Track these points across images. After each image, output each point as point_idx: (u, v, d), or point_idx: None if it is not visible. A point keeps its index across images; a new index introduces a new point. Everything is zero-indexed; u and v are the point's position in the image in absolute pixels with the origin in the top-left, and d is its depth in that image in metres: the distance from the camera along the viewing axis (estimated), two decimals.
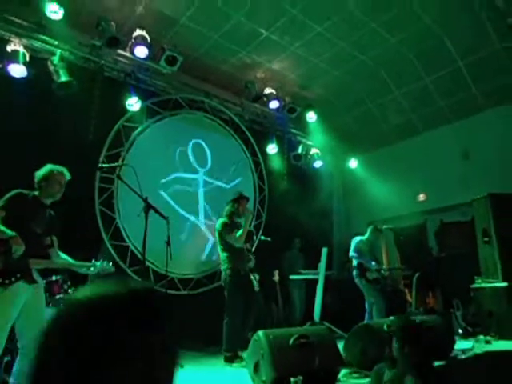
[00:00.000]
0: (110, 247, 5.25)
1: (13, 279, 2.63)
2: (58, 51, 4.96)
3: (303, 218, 7.24)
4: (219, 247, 4.36)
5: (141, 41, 5.25)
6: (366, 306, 5.47)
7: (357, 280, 5.42)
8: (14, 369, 2.77)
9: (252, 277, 4.58)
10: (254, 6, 5.26)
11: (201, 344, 5.22)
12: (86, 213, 5.14)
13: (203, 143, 6.60)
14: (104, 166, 3.48)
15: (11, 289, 2.61)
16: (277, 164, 7.52)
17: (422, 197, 7.55)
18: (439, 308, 6.06)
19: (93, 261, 3.13)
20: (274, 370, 2.63)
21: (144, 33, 5.26)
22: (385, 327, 3.32)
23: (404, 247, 7.20)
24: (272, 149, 7.32)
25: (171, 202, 5.97)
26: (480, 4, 5.29)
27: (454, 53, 6.18)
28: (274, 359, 2.66)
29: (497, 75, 6.30)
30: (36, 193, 2.96)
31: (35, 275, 2.89)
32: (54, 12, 4.61)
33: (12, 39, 4.67)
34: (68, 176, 3.08)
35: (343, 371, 3.11)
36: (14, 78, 4.60)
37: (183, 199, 6.14)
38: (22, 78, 4.64)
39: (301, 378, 2.63)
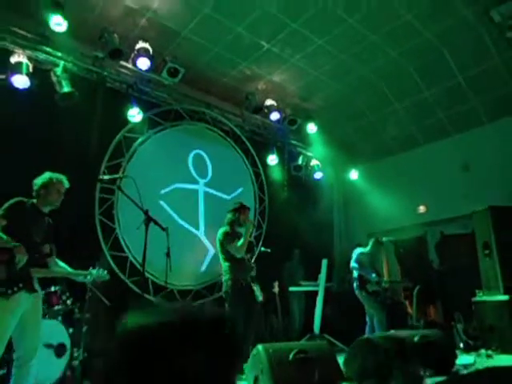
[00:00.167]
0: (109, 258, 5.22)
1: (15, 289, 2.63)
2: (62, 62, 5.01)
3: (303, 229, 7.23)
4: (220, 257, 4.31)
5: (143, 53, 5.30)
6: (367, 318, 5.43)
7: (357, 292, 5.39)
8: (11, 382, 2.75)
9: (255, 287, 4.51)
10: (256, 19, 5.33)
11: None
12: (86, 223, 5.14)
13: (204, 154, 6.62)
14: (104, 177, 3.47)
15: (13, 298, 2.60)
16: (277, 175, 7.53)
17: (422, 209, 7.54)
18: (440, 321, 6.02)
19: (90, 269, 3.13)
20: None
21: (147, 45, 5.32)
22: (385, 342, 3.30)
23: (404, 259, 7.18)
24: (272, 160, 7.33)
25: (172, 213, 5.96)
26: (478, 19, 5.35)
27: (454, 66, 6.24)
28: (274, 374, 2.63)
29: (496, 88, 6.35)
30: (34, 201, 2.96)
31: (35, 284, 2.89)
32: (58, 24, 4.66)
33: (16, 51, 4.72)
34: (67, 184, 3.09)
35: None
36: (16, 88, 4.64)
37: (184, 210, 6.14)
38: (25, 89, 4.68)
39: None
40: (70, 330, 3.69)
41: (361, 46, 5.93)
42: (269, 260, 5.95)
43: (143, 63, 5.35)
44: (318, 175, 7.88)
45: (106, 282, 4.73)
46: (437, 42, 5.88)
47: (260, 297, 4.49)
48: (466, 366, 3.92)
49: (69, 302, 3.89)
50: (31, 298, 2.79)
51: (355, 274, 5.44)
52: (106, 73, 5.47)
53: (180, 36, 5.59)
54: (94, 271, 3.12)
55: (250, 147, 7.24)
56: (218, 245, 4.31)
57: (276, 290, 5.72)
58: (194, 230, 6.25)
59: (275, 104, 6.88)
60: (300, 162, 7.83)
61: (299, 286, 6.53)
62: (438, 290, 6.26)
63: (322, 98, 7.27)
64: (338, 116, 7.66)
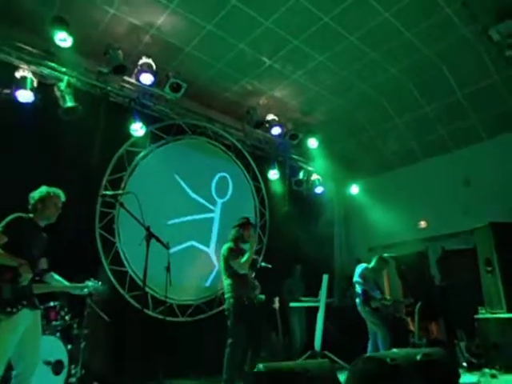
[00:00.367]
0: (108, 272, 5.19)
1: (19, 307, 2.61)
2: (66, 77, 5.06)
3: (304, 244, 7.20)
4: (223, 274, 4.25)
5: (147, 68, 5.36)
6: (370, 335, 5.34)
7: (360, 307, 5.29)
8: None
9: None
10: (258, 36, 5.41)
11: (199, 372, 5.11)
12: (86, 236, 5.13)
13: (227, 175, 6.87)
14: (107, 193, 3.48)
15: (16, 316, 2.59)
16: (278, 189, 7.54)
17: (423, 224, 7.52)
18: (443, 338, 5.94)
19: (86, 282, 3.11)
20: None
21: (150, 61, 5.38)
22: (388, 360, 3.25)
23: (406, 275, 7.12)
24: (273, 174, 7.35)
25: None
26: (477, 37, 5.43)
27: (454, 83, 6.31)
28: None
29: (495, 105, 6.40)
30: (31, 215, 2.95)
31: (36, 300, 2.87)
32: (63, 40, 4.72)
33: (21, 66, 4.78)
34: (63, 198, 3.09)
35: None
36: (20, 102, 4.69)
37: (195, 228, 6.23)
38: (29, 103, 4.72)
39: None
40: (69, 347, 3.65)
41: (361, 62, 6.01)
42: (269, 275, 5.92)
43: (146, 78, 5.41)
44: (318, 190, 7.89)
45: (104, 297, 4.73)
46: (436, 59, 5.96)
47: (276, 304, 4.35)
48: None
49: (67, 317, 3.86)
50: (32, 315, 2.77)
51: (359, 289, 5.36)
52: (109, 88, 5.53)
53: (183, 52, 5.67)
54: (90, 283, 3.11)
55: (252, 161, 7.27)
56: (221, 261, 4.26)
57: (276, 305, 5.67)
58: (203, 248, 6.27)
59: (276, 119, 6.93)
60: (301, 176, 7.84)
61: (300, 301, 6.47)
62: (440, 307, 6.19)
63: (323, 113, 7.33)
64: (338, 131, 7.71)
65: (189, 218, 6.24)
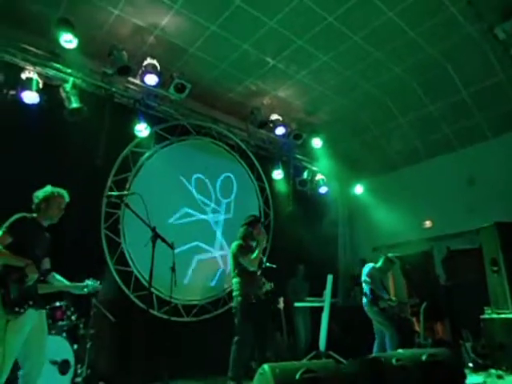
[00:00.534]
0: (114, 272, 5.22)
1: (26, 307, 2.63)
2: (71, 78, 5.09)
3: (308, 244, 7.19)
4: (232, 272, 4.29)
5: (151, 69, 5.37)
6: (376, 335, 5.31)
7: (367, 307, 5.24)
8: None
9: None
10: (262, 36, 5.41)
11: (204, 372, 5.12)
12: (92, 237, 5.15)
13: (232, 176, 6.88)
14: (112, 194, 3.49)
15: (22, 316, 2.60)
16: (282, 189, 7.54)
17: (428, 223, 7.49)
18: (448, 338, 5.91)
19: (85, 281, 3.13)
20: None
21: (155, 61, 5.40)
22: (393, 361, 3.25)
23: (411, 275, 7.10)
24: (277, 174, 7.35)
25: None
26: (482, 36, 5.40)
27: (458, 82, 6.28)
28: None
29: (501, 104, 6.36)
30: (35, 215, 2.97)
31: (41, 300, 2.89)
32: (68, 41, 4.74)
33: (27, 67, 4.81)
34: (67, 199, 3.10)
35: None
36: (26, 103, 4.72)
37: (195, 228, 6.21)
38: (34, 104, 4.75)
39: None
40: (75, 346, 3.67)
41: (365, 62, 5.99)
42: (274, 275, 5.92)
43: (151, 79, 5.42)
44: (323, 190, 7.88)
45: (110, 297, 4.76)
46: (441, 58, 5.93)
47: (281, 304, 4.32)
48: None
49: (73, 317, 3.88)
50: (37, 314, 2.79)
51: (366, 288, 5.31)
52: (114, 89, 5.55)
53: (187, 53, 5.68)
54: (90, 282, 3.13)
55: (256, 162, 7.27)
56: (231, 258, 4.30)
57: (281, 305, 5.67)
58: (208, 248, 6.31)
59: (280, 119, 6.93)
60: (305, 176, 7.84)
61: (304, 301, 6.47)
62: (445, 307, 6.17)
63: (327, 112, 7.32)
64: (342, 131, 7.70)
65: (193, 218, 6.25)
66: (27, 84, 4.67)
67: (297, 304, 6.39)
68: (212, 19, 5.13)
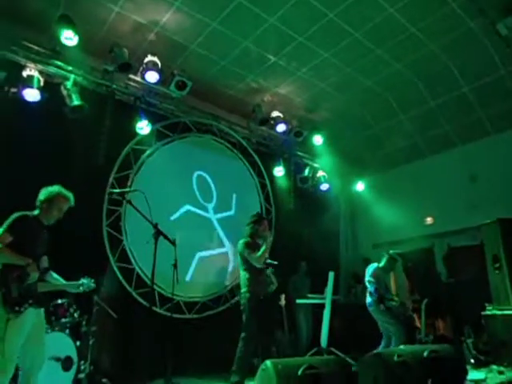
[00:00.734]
0: (116, 269, 5.23)
1: (26, 306, 2.63)
2: (72, 76, 5.09)
3: (310, 241, 7.20)
4: (241, 269, 4.33)
5: (152, 66, 5.37)
6: (383, 334, 5.27)
7: (372, 308, 5.17)
8: None
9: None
10: (263, 33, 5.40)
11: (207, 369, 5.13)
12: (94, 234, 5.16)
13: (233, 173, 6.85)
14: (115, 191, 3.50)
15: (22, 315, 2.61)
16: (283, 186, 7.54)
17: (429, 220, 7.49)
18: (449, 335, 5.92)
19: (81, 280, 3.13)
20: None
21: (155, 58, 5.39)
22: (395, 357, 3.26)
23: (412, 272, 7.10)
24: (279, 171, 7.35)
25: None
26: (484, 31, 5.38)
27: (460, 78, 6.26)
28: None
29: (503, 100, 6.34)
30: (36, 213, 2.97)
31: (41, 299, 2.89)
32: (69, 38, 4.74)
33: (28, 65, 4.81)
34: (72, 203, 3.09)
35: None
36: (27, 101, 4.72)
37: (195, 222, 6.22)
38: (35, 102, 4.75)
39: None
40: (77, 343, 3.68)
41: (366, 58, 5.97)
42: (275, 272, 5.94)
43: (152, 76, 5.42)
44: (324, 187, 7.87)
45: (112, 295, 4.77)
46: (442, 54, 5.91)
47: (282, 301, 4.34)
48: (476, 382, 3.86)
49: (76, 314, 3.89)
50: (36, 313, 2.80)
51: (371, 288, 5.25)
52: (114, 86, 5.55)
53: (188, 50, 5.67)
54: (86, 281, 3.12)
55: (257, 159, 7.27)
56: (238, 256, 4.33)
57: (283, 302, 5.68)
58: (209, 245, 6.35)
59: (281, 116, 6.92)
60: (306, 173, 7.83)
61: (306, 298, 6.48)
62: (446, 303, 6.17)
63: (328, 109, 7.31)
64: (343, 127, 7.68)
65: (194, 215, 6.26)
66: (28, 82, 4.67)
67: (298, 301, 6.40)
68: (213, 16, 5.12)
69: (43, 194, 3.01)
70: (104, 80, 5.46)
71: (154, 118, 5.86)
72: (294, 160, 7.86)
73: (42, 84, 4.79)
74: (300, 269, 6.92)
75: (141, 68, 5.44)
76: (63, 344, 3.54)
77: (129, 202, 3.01)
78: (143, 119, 5.57)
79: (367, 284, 5.28)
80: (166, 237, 2.91)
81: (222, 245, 6.49)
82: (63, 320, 3.75)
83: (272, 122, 6.91)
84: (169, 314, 5.05)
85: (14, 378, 2.83)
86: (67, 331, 3.65)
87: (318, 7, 5.00)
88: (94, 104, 5.10)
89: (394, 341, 4.98)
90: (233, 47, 5.68)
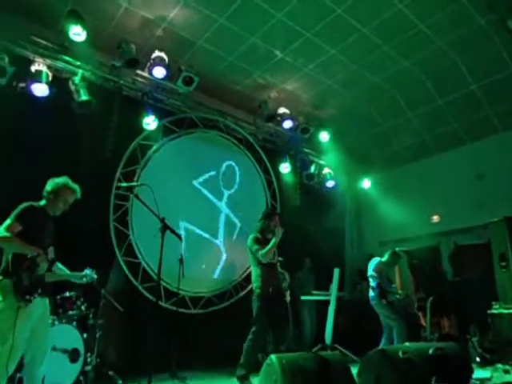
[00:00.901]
0: (122, 263, 5.27)
1: (36, 295, 2.67)
2: (80, 71, 5.12)
3: (315, 238, 7.20)
4: (252, 264, 4.34)
5: (159, 62, 5.38)
6: (384, 328, 5.30)
7: (375, 301, 5.19)
8: None
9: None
10: (270, 29, 5.39)
11: (212, 363, 5.17)
12: (101, 228, 5.20)
13: (234, 164, 6.85)
14: (122, 185, 3.53)
15: (31, 304, 2.65)
16: (289, 183, 7.54)
17: (435, 218, 7.45)
18: (455, 333, 5.90)
19: (84, 271, 3.16)
20: None
21: (163, 54, 5.41)
22: (400, 354, 3.25)
23: (418, 270, 7.08)
24: (285, 168, 7.35)
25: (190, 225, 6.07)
26: (494, 28, 5.32)
27: (468, 75, 6.20)
28: None
29: (511, 97, 6.27)
30: (42, 203, 2.99)
31: (49, 288, 2.93)
32: (78, 34, 4.77)
33: (36, 60, 4.84)
34: (78, 195, 3.11)
35: None
36: (35, 96, 4.75)
37: (203, 220, 6.23)
38: (43, 97, 4.78)
39: None
40: (84, 336, 3.72)
41: (374, 55, 5.94)
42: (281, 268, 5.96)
43: (159, 72, 5.43)
44: (330, 183, 7.86)
45: (119, 289, 4.81)
46: (450, 51, 5.86)
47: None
48: (482, 381, 3.85)
49: (83, 307, 3.93)
50: (42, 302, 2.84)
51: (373, 283, 5.28)
52: (122, 81, 5.57)
53: (195, 45, 5.68)
54: (88, 272, 3.16)
55: (263, 155, 7.27)
56: (249, 252, 4.33)
57: (288, 299, 5.69)
58: (211, 239, 6.32)
59: (288, 112, 6.91)
60: (312, 170, 7.82)
61: (310, 295, 6.49)
62: (452, 302, 6.15)
63: (334, 106, 7.28)
64: (350, 124, 7.66)
65: (200, 211, 6.28)
66: (37, 76, 4.71)
67: (303, 297, 6.42)
68: (220, 11, 5.12)
69: (50, 184, 3.02)
70: (112, 75, 5.49)
71: (160, 114, 5.88)
72: (300, 157, 7.85)
73: (50, 79, 4.82)
74: (304, 265, 6.93)
75: (148, 64, 5.46)
76: (70, 336, 3.58)
77: (136, 196, 3.02)
78: (150, 115, 5.59)
79: (370, 279, 5.30)
80: (172, 231, 2.93)
81: (225, 240, 6.49)
82: (70, 312, 3.79)
83: (278, 118, 6.90)
84: (174, 308, 5.09)
85: (18, 369, 2.88)
86: (74, 323, 3.70)
87: (326, 3, 4.98)
88: (101, 99, 5.13)
89: (395, 336, 4.99)
90: (240, 43, 5.67)
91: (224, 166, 6.76)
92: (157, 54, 5.41)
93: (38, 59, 4.86)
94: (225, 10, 5.09)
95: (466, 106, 6.65)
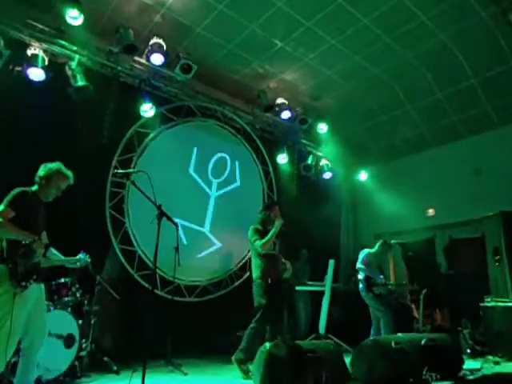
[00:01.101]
0: (118, 251, 5.27)
1: (31, 281, 2.66)
2: (77, 56, 5.05)
3: (311, 229, 7.21)
4: (252, 254, 4.37)
5: (157, 48, 5.32)
6: (372, 320, 5.38)
7: (363, 293, 5.32)
8: (18, 372, 2.79)
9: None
10: (270, 17, 5.32)
11: (207, 351, 5.21)
12: (96, 215, 5.19)
13: (226, 156, 6.77)
14: (119, 171, 3.51)
15: (26, 290, 2.65)
16: (286, 174, 7.54)
17: (430, 212, 7.49)
18: (447, 326, 5.97)
19: (78, 255, 3.16)
20: None
21: (161, 41, 5.34)
22: (392, 344, 3.30)
23: (412, 263, 7.13)
24: (282, 158, 7.33)
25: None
26: (495, 21, 5.29)
27: (468, 69, 6.17)
28: None
29: (510, 93, 6.26)
30: (34, 188, 2.96)
31: (44, 274, 2.93)
32: (74, 18, 4.70)
33: (32, 43, 4.77)
34: (71, 181, 3.07)
35: None
36: (31, 80, 4.69)
37: (190, 207, 6.17)
38: (40, 81, 4.72)
39: None
40: (80, 322, 3.73)
41: (374, 46, 5.90)
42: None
43: (157, 59, 5.38)
44: (327, 175, 7.86)
45: (115, 276, 4.82)
46: (451, 43, 5.82)
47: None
48: (472, 371, 3.90)
49: (78, 294, 3.93)
50: (38, 288, 2.84)
51: (362, 275, 5.38)
52: (119, 67, 5.51)
53: (194, 32, 5.61)
54: (82, 256, 3.16)
55: (261, 145, 7.25)
56: (250, 243, 4.35)
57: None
58: (198, 228, 6.28)
59: (286, 103, 6.87)
60: (310, 161, 7.81)
61: (305, 285, 6.53)
62: (445, 295, 6.21)
63: (333, 97, 7.24)
64: (349, 116, 7.63)
65: (196, 200, 6.27)
66: (33, 60, 4.64)
67: (298, 288, 6.46)
68: None
69: (42, 169, 2.99)
70: (109, 61, 5.42)
71: (158, 101, 5.83)
72: (297, 147, 7.83)
73: (46, 63, 4.75)
74: (301, 256, 6.96)
75: (146, 50, 5.40)
76: (65, 322, 3.59)
77: (133, 182, 3.01)
78: (147, 102, 5.54)
79: (359, 271, 5.35)
80: (169, 218, 2.92)
81: (220, 230, 6.46)
82: (66, 299, 3.79)
83: (277, 108, 6.87)
84: (170, 296, 5.11)
85: (18, 352, 2.88)
86: (69, 310, 3.70)
87: None
88: (98, 85, 5.07)
89: (381, 326, 5.06)
90: (239, 31, 5.61)
91: (224, 157, 6.72)
92: (155, 40, 5.35)
93: (34, 43, 4.79)
94: None
95: (466, 100, 6.63)
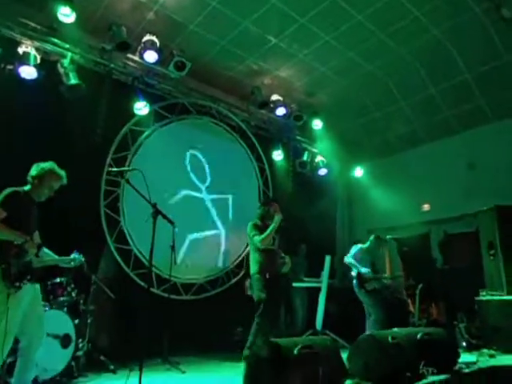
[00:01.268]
0: (113, 250, 5.25)
1: (25, 281, 2.64)
2: (69, 54, 5.00)
3: (307, 225, 7.22)
4: (251, 249, 4.39)
5: (150, 46, 5.28)
6: (366, 314, 5.39)
7: (356, 290, 5.34)
8: (16, 371, 2.78)
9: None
10: (264, 13, 5.30)
11: (204, 349, 5.21)
12: (91, 214, 5.16)
13: (231, 156, 6.76)
14: (113, 170, 3.47)
15: (21, 291, 2.63)
16: (282, 170, 7.53)
17: (426, 207, 7.52)
18: (443, 320, 6.01)
19: (72, 255, 3.14)
20: None
21: (154, 38, 5.30)
22: (389, 339, 3.31)
23: (407, 258, 7.17)
24: (277, 155, 7.33)
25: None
26: (488, 16, 5.30)
27: (462, 64, 6.19)
28: None
29: (504, 87, 6.29)
30: (26, 188, 2.93)
31: (38, 274, 2.90)
32: (66, 15, 4.65)
33: (24, 41, 4.71)
34: (64, 181, 3.04)
35: (347, 383, 3.08)
36: (23, 79, 4.64)
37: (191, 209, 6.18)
38: (32, 80, 4.67)
39: None
40: (76, 321, 3.71)
41: (368, 42, 5.89)
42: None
43: (150, 56, 5.34)
44: (322, 171, 7.87)
45: (110, 275, 4.79)
46: (445, 39, 5.83)
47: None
48: (468, 365, 3.93)
49: (73, 293, 3.91)
50: (32, 288, 2.82)
51: (354, 271, 5.38)
52: (112, 65, 5.46)
53: (187, 29, 5.57)
54: (76, 255, 3.14)
55: (256, 142, 7.23)
56: (248, 239, 4.36)
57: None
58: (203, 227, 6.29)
59: (281, 99, 6.86)
60: (305, 158, 7.81)
61: (302, 281, 6.54)
62: (440, 289, 6.25)
63: (328, 94, 7.24)
64: (343, 112, 7.63)
65: (191, 198, 6.25)
66: (24, 58, 4.60)
67: (295, 284, 6.47)
68: None
69: (35, 169, 2.95)
70: (102, 59, 5.37)
71: (151, 99, 5.79)
72: (292, 144, 7.83)
73: (38, 61, 4.71)
74: (300, 251, 6.96)
75: (139, 47, 5.35)
76: (61, 322, 3.57)
77: (127, 180, 2.99)
78: (141, 100, 5.50)
79: (351, 267, 5.36)
80: (164, 216, 2.91)
81: (216, 227, 6.47)
82: (61, 299, 3.77)
83: (271, 105, 6.85)
84: (166, 295, 5.10)
85: (15, 352, 2.87)
86: (65, 309, 3.68)
87: None
88: (91, 83, 5.03)
89: (371, 324, 5.07)
90: (233, 27, 5.58)
91: (219, 154, 6.68)
92: (148, 37, 5.31)
93: (26, 41, 4.73)
94: None
95: (459, 95, 6.64)
